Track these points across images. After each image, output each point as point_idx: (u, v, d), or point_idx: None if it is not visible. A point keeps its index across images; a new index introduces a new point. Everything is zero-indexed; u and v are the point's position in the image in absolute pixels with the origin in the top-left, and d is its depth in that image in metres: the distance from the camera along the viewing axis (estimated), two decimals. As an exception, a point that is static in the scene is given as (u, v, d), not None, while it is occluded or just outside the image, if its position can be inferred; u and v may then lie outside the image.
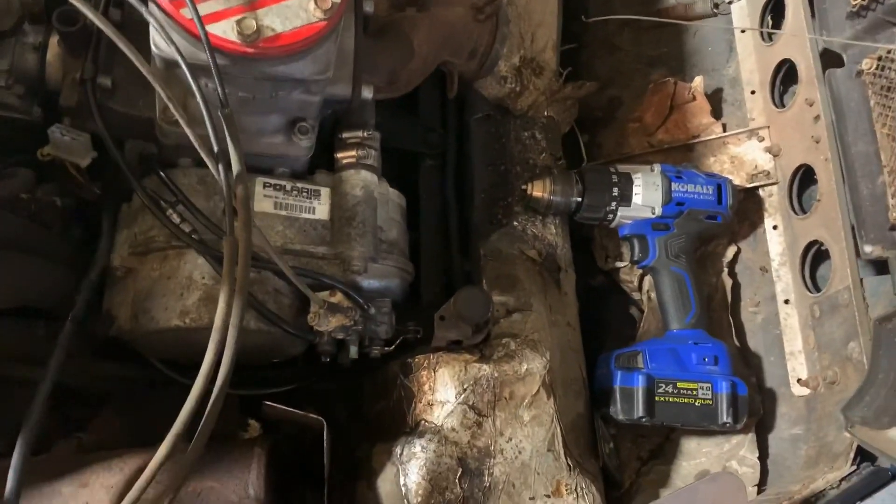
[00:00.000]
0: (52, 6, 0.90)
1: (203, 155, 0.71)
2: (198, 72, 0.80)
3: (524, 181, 1.17)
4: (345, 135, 1.01)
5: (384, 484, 0.96)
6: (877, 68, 0.91)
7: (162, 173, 0.91)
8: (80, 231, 1.01)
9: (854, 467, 0.90)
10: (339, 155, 1.01)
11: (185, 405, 0.72)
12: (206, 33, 0.72)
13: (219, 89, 0.73)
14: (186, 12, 0.74)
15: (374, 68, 0.95)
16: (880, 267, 1.00)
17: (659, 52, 1.37)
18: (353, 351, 0.99)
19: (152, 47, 0.79)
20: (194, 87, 0.72)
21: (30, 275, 0.90)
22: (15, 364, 0.94)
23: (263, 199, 0.97)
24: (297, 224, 0.98)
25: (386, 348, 1.01)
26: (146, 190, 0.90)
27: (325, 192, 1.00)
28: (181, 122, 0.71)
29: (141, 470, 0.87)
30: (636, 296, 1.24)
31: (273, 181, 0.98)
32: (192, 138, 0.71)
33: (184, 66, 0.72)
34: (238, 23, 0.75)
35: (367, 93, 0.93)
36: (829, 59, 1.07)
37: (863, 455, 0.91)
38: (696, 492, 0.79)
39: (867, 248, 0.91)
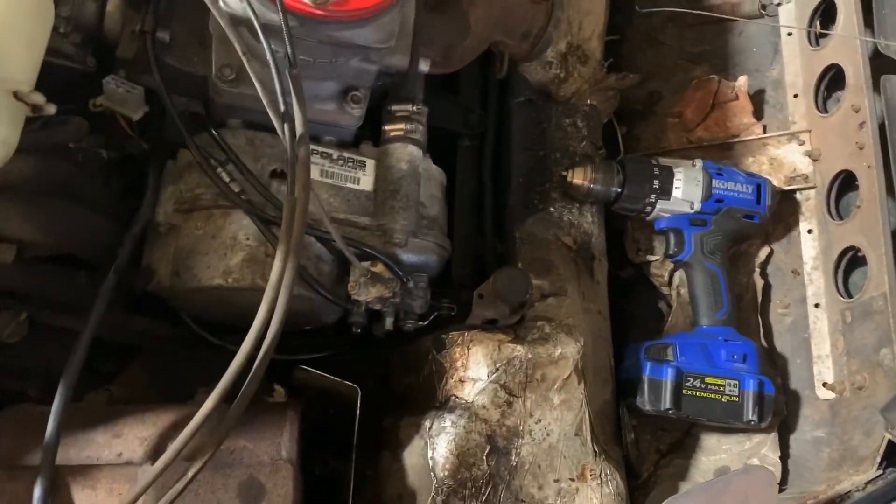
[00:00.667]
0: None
1: (270, 113, 0.71)
2: (265, 33, 0.80)
3: (563, 168, 1.17)
4: (394, 107, 1.01)
5: (410, 456, 0.97)
6: (935, 76, 0.92)
7: (214, 131, 0.92)
8: (122, 185, 1.02)
9: (880, 472, 0.91)
10: (387, 127, 1.01)
11: (234, 360, 0.73)
12: (279, -8, 0.72)
13: (289, 49, 0.73)
14: (259, -30, 0.75)
15: (431, 42, 0.95)
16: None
17: (702, 50, 1.37)
18: (389, 322, 0.99)
19: (221, 4, 0.79)
20: (265, 45, 0.72)
21: (75, 222, 0.90)
22: (53, 312, 0.95)
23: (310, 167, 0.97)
24: (342, 193, 0.98)
25: (420, 323, 1.02)
26: (198, 147, 0.90)
27: (370, 163, 1.00)
28: (252, 75, 0.71)
29: (175, 425, 0.89)
30: (665, 290, 1.24)
31: (320, 149, 0.98)
32: (261, 95, 0.71)
33: (256, 24, 0.72)
34: (309, -16, 0.75)
35: (424, 66, 0.94)
36: (880, 66, 1.07)
37: (888, 460, 0.92)
38: (729, 482, 0.80)
39: (911, 253, 0.92)
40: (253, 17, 0.72)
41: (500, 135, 1.24)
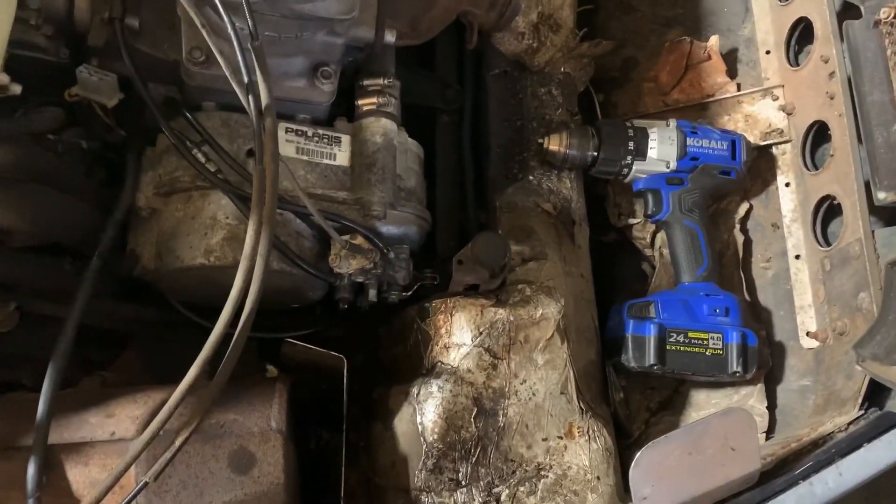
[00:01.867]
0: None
1: (235, 86, 0.73)
2: (225, 9, 0.82)
3: (541, 136, 1.18)
4: (366, 82, 1.02)
5: (401, 423, 0.99)
6: (894, 17, 0.92)
7: (188, 114, 0.93)
8: (104, 174, 1.03)
9: (861, 412, 0.92)
10: (360, 102, 1.02)
11: (213, 330, 0.74)
12: (237, -33, 0.73)
13: (249, 22, 0.74)
14: (218, -53, 0.76)
15: (396, 13, 0.96)
16: (890, 219, 1.02)
17: (674, 13, 1.38)
18: (372, 294, 1.00)
19: (182, -17, 0.81)
20: (226, 20, 0.73)
21: (58, 210, 0.92)
22: (42, 300, 0.97)
23: (286, 144, 0.99)
24: (319, 169, 1.00)
25: (403, 294, 1.03)
26: (173, 130, 0.91)
27: (345, 139, 1.02)
28: (215, 52, 0.72)
29: (165, 402, 0.90)
30: (648, 252, 1.25)
31: (295, 126, 1.00)
32: (224, 69, 0.72)
33: (217, 1, 0.73)
34: (268, -43, 0.77)
35: (390, 37, 0.95)
36: (846, 16, 1.08)
37: (870, 400, 0.93)
38: (709, 425, 0.81)
39: (881, 195, 0.93)
40: (213, -7, 0.73)
41: (478, 108, 1.25)
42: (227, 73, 0.73)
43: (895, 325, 0.83)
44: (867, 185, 1.01)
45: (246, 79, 0.73)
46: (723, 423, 0.81)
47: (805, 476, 0.85)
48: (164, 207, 0.96)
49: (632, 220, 1.26)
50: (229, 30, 0.73)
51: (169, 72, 0.96)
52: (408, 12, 0.98)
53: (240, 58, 0.73)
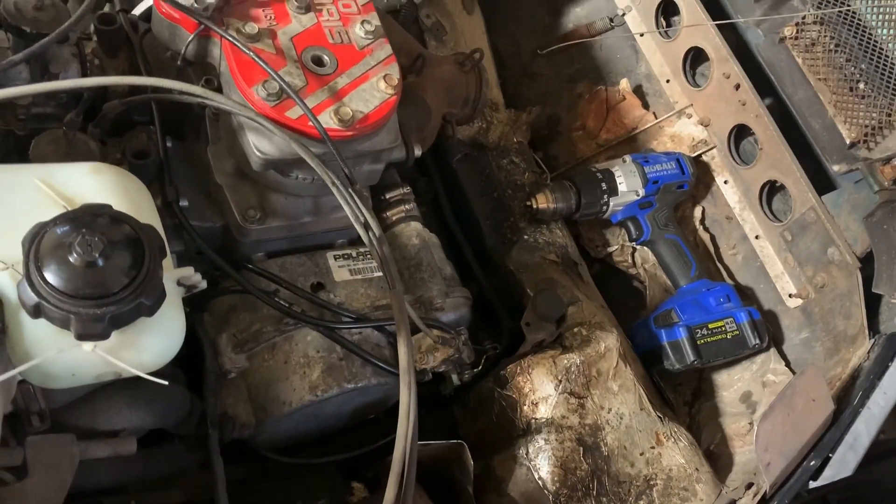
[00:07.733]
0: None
1: (356, 226, 0.81)
2: (290, 166, 0.90)
3: (520, 201, 1.33)
4: (388, 195, 1.13)
5: (516, 485, 1.07)
6: (797, 32, 1.16)
7: (259, 268, 0.99)
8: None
9: (872, 341, 1.12)
10: (389, 213, 1.12)
11: (396, 448, 0.80)
12: (322, 127, 0.82)
13: (346, 170, 0.83)
14: (291, 114, 0.85)
15: (410, 129, 1.07)
16: (826, 188, 1.24)
17: (574, 69, 1.59)
18: (455, 378, 1.09)
19: (255, 152, 0.88)
20: (322, 174, 0.81)
21: (164, 396, 0.93)
22: (156, 490, 0.97)
23: (339, 270, 1.06)
24: (374, 283, 1.07)
25: (474, 370, 1.13)
26: (256, 286, 0.96)
27: (383, 250, 1.11)
28: (339, 196, 0.80)
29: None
30: (633, 272, 1.42)
31: (341, 252, 1.07)
32: (347, 212, 0.80)
33: (310, 161, 0.81)
34: (336, 111, 0.86)
35: (418, 150, 1.05)
36: (731, 37, 1.32)
37: (871, 329, 1.14)
38: (794, 387, 0.97)
39: (835, 168, 1.15)
40: (305, 155, 0.82)
41: (452, 192, 1.38)
42: (350, 216, 0.81)
43: (890, 263, 1.04)
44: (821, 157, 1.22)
45: (362, 218, 0.81)
46: (802, 381, 0.97)
47: (862, 404, 1.03)
48: (249, 363, 1.00)
49: (609, 249, 1.43)
50: (335, 180, 0.81)
51: (216, 236, 1.01)
52: (416, 126, 1.09)
53: (350, 203, 0.82)
